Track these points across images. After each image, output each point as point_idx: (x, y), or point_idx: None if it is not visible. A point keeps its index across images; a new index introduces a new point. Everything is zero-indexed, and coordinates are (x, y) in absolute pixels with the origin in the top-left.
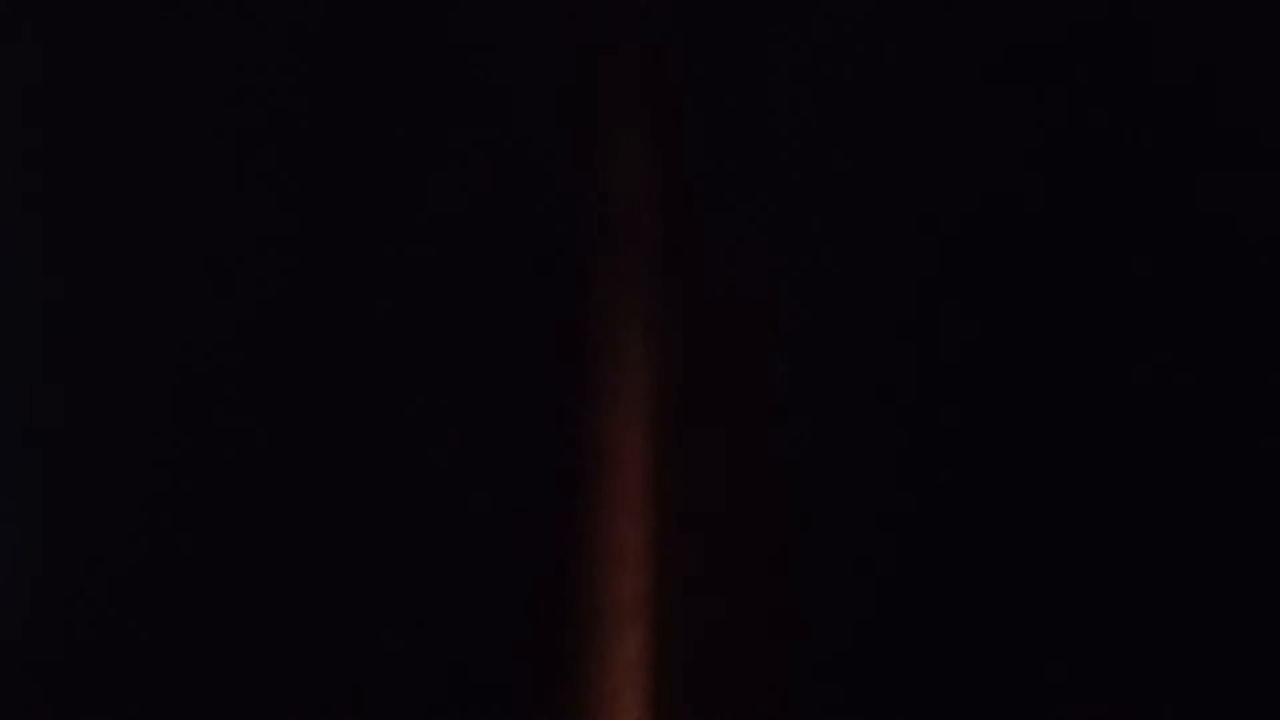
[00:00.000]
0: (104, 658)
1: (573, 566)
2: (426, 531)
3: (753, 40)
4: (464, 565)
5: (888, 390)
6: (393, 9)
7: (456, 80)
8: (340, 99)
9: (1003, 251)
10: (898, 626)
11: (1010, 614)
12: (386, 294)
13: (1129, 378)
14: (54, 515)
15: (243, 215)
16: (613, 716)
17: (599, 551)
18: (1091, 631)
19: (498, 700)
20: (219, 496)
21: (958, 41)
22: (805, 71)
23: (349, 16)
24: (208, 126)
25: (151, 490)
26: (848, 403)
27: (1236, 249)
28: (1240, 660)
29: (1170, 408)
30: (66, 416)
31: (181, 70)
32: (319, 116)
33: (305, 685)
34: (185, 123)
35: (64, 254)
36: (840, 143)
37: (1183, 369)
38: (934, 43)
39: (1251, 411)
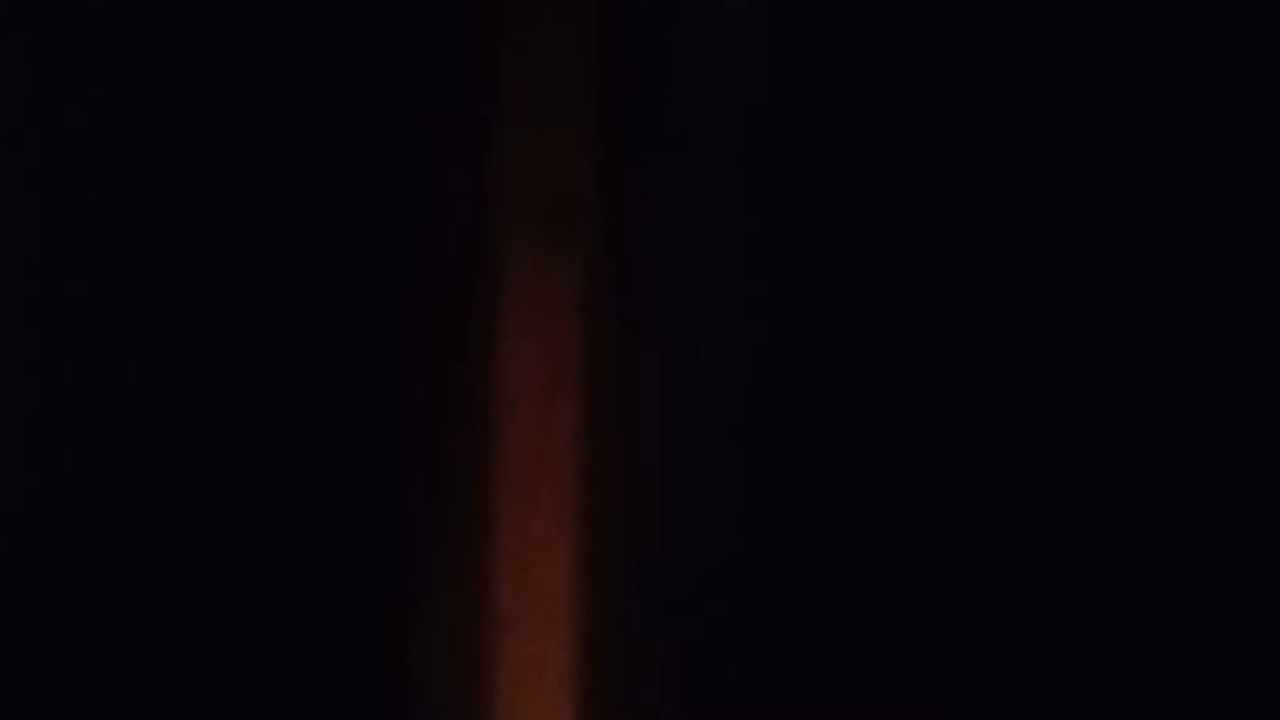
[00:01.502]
0: None
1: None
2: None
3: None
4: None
5: (840, 386)
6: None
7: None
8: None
9: (967, 248)
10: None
11: (961, 620)
12: (284, 286)
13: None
14: None
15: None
16: None
17: (523, 559)
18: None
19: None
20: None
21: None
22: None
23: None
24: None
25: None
26: (796, 399)
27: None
28: (1235, 660)
29: (1155, 406)
30: None
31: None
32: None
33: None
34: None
35: None
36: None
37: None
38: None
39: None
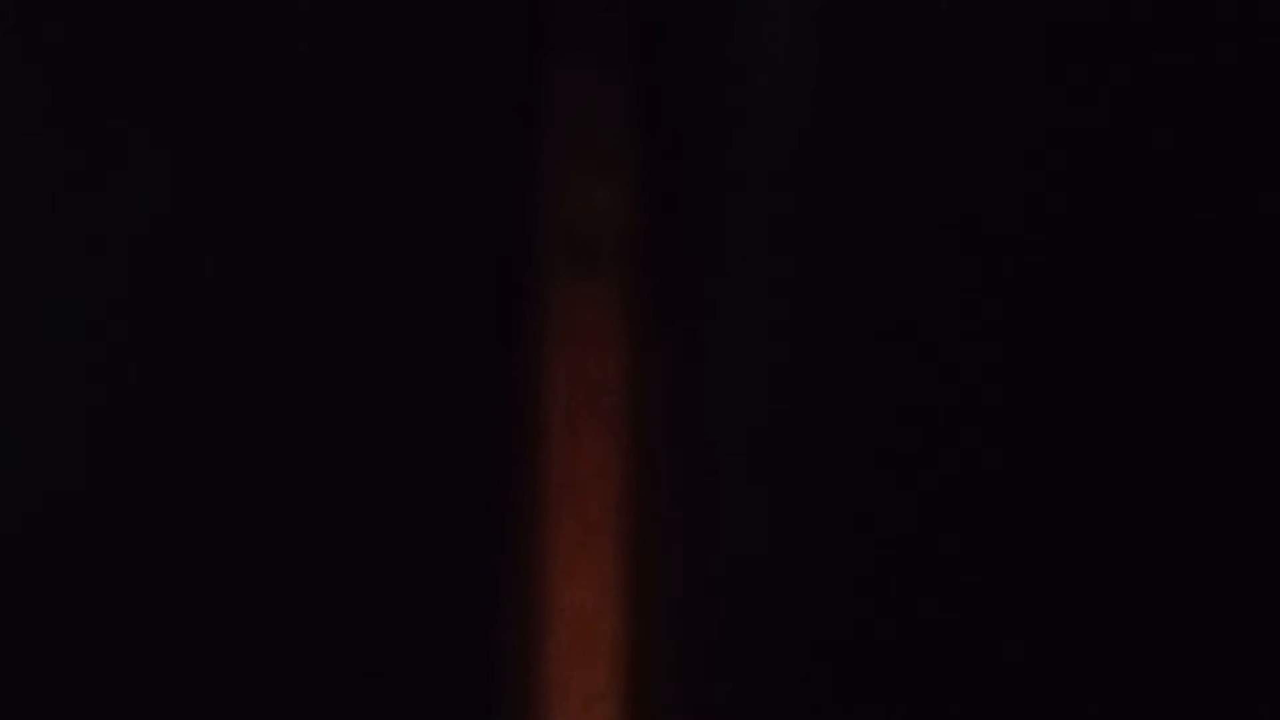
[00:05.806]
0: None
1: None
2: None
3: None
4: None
5: (877, 405)
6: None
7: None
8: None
9: (1004, 265)
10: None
11: (1010, 624)
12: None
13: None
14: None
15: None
16: None
17: (563, 573)
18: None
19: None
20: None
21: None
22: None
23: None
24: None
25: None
26: (827, 422)
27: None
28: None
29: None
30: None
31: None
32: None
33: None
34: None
35: None
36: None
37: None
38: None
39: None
